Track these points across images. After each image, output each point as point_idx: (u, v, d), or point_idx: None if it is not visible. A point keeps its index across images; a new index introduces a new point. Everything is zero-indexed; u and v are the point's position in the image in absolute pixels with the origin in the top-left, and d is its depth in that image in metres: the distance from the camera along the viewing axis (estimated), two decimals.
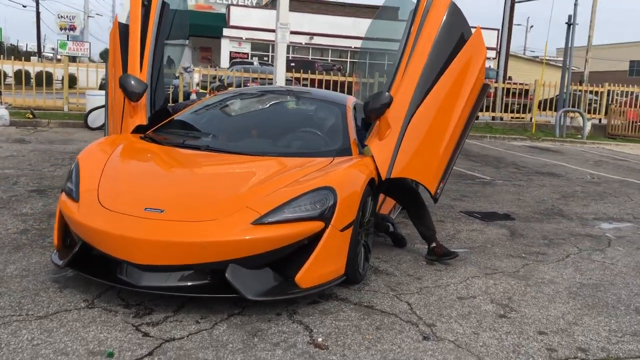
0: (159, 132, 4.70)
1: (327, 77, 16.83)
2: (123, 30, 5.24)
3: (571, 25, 16.89)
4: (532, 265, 4.76)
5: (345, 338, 3.18)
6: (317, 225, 3.48)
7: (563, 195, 8.19)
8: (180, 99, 15.07)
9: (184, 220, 3.35)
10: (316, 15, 33.63)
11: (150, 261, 3.28)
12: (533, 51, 51.49)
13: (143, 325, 3.19)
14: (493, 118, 18.71)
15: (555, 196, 8.09)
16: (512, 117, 18.97)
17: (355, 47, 34.98)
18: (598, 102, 19.76)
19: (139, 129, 4.78)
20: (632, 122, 18.59)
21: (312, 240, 3.48)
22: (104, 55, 57.19)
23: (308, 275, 3.42)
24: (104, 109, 12.14)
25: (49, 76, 14.87)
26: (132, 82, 4.66)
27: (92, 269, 3.49)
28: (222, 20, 33.42)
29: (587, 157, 13.55)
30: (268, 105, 5.30)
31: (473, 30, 4.73)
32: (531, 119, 18.51)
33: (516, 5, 19.84)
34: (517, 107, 19.09)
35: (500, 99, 18.40)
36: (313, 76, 16.67)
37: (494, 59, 36.86)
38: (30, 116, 12.60)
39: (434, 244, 4.65)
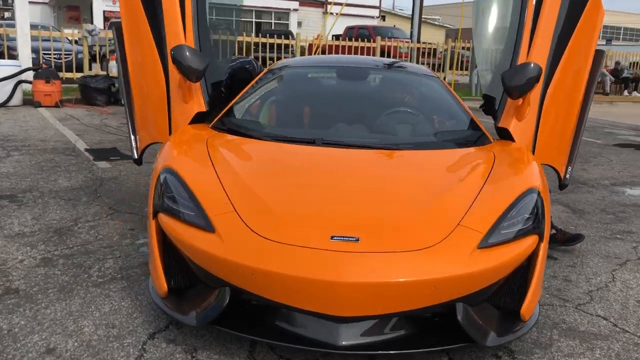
0: (229, 121, 3.62)
1: (225, 38, 15.05)
2: None
3: None
4: None
5: None
6: (534, 240, 2.73)
7: None
8: (85, 67, 13.20)
9: (390, 250, 2.44)
10: None
11: (355, 312, 2.36)
12: (402, 9, 52.29)
13: None
14: None
15: None
16: None
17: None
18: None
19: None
20: None
21: (529, 260, 2.74)
22: None
23: (530, 304, 2.68)
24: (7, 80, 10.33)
25: None
26: (189, 55, 3.51)
27: (240, 323, 2.51)
28: None
29: None
30: (350, 81, 4.26)
31: None
32: (445, 78, 18.59)
33: None
34: (428, 66, 19.04)
35: (416, 59, 18.19)
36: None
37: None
38: None
39: (553, 230, 4.09)
